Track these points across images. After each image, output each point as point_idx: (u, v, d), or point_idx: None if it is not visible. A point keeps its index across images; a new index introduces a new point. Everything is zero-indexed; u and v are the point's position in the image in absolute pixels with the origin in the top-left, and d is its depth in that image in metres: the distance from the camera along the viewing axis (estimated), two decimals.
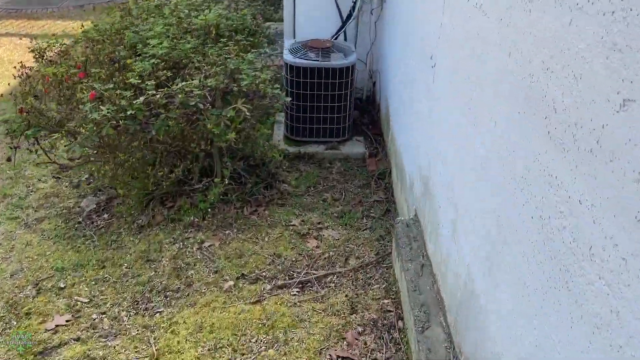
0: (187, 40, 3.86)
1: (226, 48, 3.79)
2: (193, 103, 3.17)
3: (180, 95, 3.17)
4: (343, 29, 4.65)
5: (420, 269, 2.61)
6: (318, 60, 4.08)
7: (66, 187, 4.06)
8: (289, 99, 3.63)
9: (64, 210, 3.84)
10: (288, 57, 4.13)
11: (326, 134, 4.38)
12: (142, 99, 3.13)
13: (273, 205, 3.74)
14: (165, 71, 3.64)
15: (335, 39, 4.68)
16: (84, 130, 3.07)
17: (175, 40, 3.95)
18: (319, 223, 3.56)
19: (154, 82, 3.32)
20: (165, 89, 3.21)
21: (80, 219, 3.74)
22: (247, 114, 3.33)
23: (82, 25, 4.46)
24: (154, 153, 3.41)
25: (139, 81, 3.30)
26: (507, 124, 1.65)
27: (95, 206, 3.90)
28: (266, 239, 3.39)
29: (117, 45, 4.13)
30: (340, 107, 4.26)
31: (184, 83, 3.23)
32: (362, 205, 3.78)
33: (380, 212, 3.70)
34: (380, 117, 4.77)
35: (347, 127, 4.39)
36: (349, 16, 4.61)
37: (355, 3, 4.53)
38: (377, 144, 4.47)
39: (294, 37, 4.81)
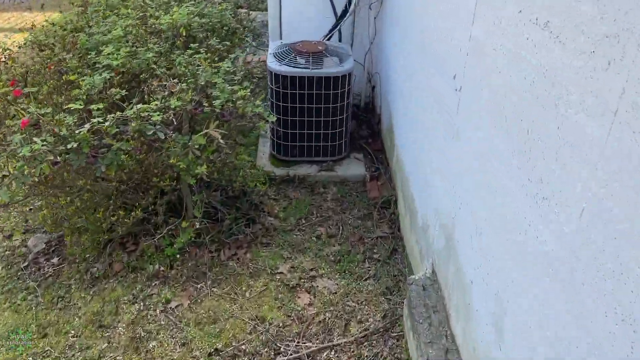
0: (149, 47, 3.18)
1: (198, 56, 3.12)
2: (151, 132, 2.52)
3: (135, 122, 2.51)
4: (337, 28, 3.98)
5: (444, 356, 2.00)
6: (309, 68, 3.42)
7: (13, 220, 3.41)
8: (274, 118, 2.99)
9: (7, 252, 3.19)
10: (273, 64, 3.47)
11: (319, 152, 3.74)
12: (87, 126, 2.47)
13: (256, 246, 3.11)
14: (120, 88, 2.98)
15: (328, 39, 4.01)
16: (11, 170, 2.41)
17: (136, 46, 3.28)
18: (311, 269, 2.94)
19: (104, 104, 2.66)
20: (117, 113, 2.55)
21: (25, 264, 3.10)
22: (221, 141, 2.69)
23: (46, 21, 3.79)
24: (105, 193, 2.76)
25: (82, 106, 2.64)
26: (598, 206, 1.03)
27: (44, 246, 3.26)
28: (247, 294, 2.77)
29: (69, 52, 3.46)
30: (335, 122, 3.61)
31: (140, 106, 2.57)
32: (364, 244, 3.16)
33: (385, 252, 3.08)
34: (381, 129, 4.13)
35: (343, 144, 3.75)
36: (344, 12, 3.95)
37: None
38: (378, 162, 3.83)
39: (281, 38, 4.14)
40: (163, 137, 2.54)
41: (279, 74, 3.41)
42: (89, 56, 3.14)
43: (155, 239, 2.97)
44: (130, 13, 3.72)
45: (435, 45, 2.46)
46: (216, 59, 3.46)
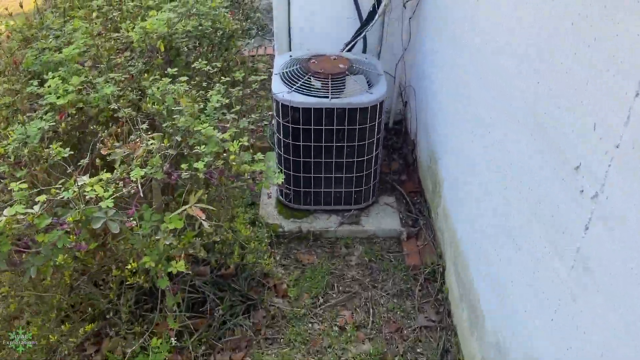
0: (111, 76, 2.34)
1: (177, 87, 2.29)
2: (99, 225, 1.70)
3: (77, 209, 1.70)
4: (362, 34, 3.09)
5: None
6: (327, 96, 2.56)
7: None
8: (281, 179, 2.16)
9: None
10: (280, 90, 2.61)
11: (340, 199, 2.90)
12: (2, 219, 1.66)
13: (258, 345, 2.32)
14: (68, 136, 2.17)
15: (350, 49, 3.13)
16: None
17: (99, 68, 2.45)
18: None
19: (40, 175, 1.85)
20: (52, 191, 1.74)
21: None
22: (205, 224, 1.88)
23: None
24: (41, 299, 1.96)
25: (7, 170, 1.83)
26: None
27: None
28: None
29: (12, 75, 2.64)
30: (362, 164, 2.76)
31: (85, 181, 1.75)
32: (403, 338, 2.35)
33: (433, 354, 2.27)
34: (418, 161, 3.27)
35: (371, 188, 2.91)
36: (372, 14, 3.05)
37: None
38: (416, 210, 2.99)
39: (290, 48, 3.26)
40: (117, 230, 1.72)
41: (287, 105, 2.55)
42: (29, 88, 2.31)
43: (125, 337, 2.18)
44: (92, 23, 2.86)
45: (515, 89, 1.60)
46: (204, 83, 2.61)
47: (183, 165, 2.01)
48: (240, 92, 2.64)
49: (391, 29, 3.28)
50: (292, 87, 2.61)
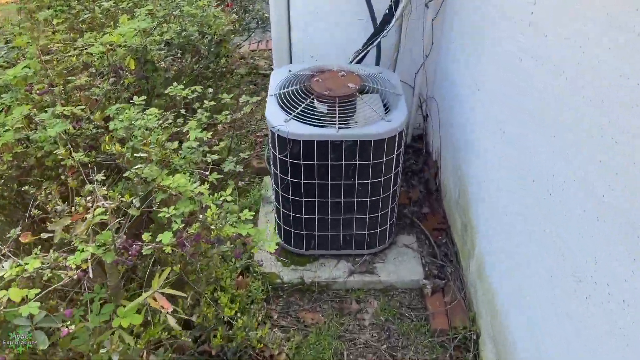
0: (61, 110, 1.88)
1: (144, 123, 1.82)
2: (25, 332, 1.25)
3: None
4: (375, 42, 2.58)
5: None
6: (334, 125, 2.07)
7: None
8: (274, 242, 1.69)
9: None
10: (276, 116, 2.12)
11: (350, 243, 2.43)
12: None
13: None
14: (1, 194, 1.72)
15: (361, 59, 2.62)
16: None
17: (56, 89, 2.00)
18: None
19: None
20: None
21: None
22: (173, 323, 1.43)
23: None
24: None
25: None
26: None
27: None
28: None
29: None
30: (377, 203, 2.28)
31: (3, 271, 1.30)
32: None
33: None
34: (442, 188, 2.78)
35: (388, 229, 2.43)
36: (388, 17, 2.53)
37: None
38: (441, 253, 2.50)
39: (290, 58, 2.77)
40: (45, 345, 1.27)
41: (285, 137, 2.07)
42: None
43: None
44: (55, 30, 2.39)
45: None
46: (182, 111, 2.13)
47: (145, 235, 1.54)
48: (228, 116, 2.16)
49: (410, 33, 2.76)
50: (291, 114, 2.12)
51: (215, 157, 1.90)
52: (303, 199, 2.25)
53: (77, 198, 1.62)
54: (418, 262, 2.44)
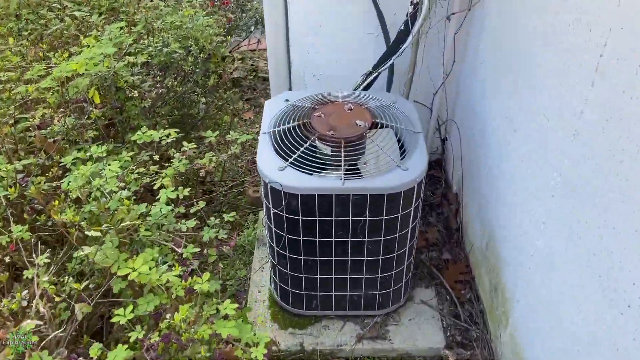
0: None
1: (112, 176, 1.47)
2: None
3: None
4: (386, 64, 2.19)
5: None
6: (339, 176, 1.70)
7: None
8: (263, 346, 1.34)
9: None
10: (269, 162, 1.76)
11: (359, 304, 2.07)
12: None
13: None
14: None
15: (369, 84, 2.24)
16: None
17: None
18: None
19: None
20: None
21: None
22: None
23: None
24: None
25: None
26: None
27: None
28: None
29: None
30: (390, 262, 1.92)
31: None
32: None
33: None
34: (464, 229, 2.41)
35: (403, 287, 2.07)
36: (403, 34, 2.14)
37: (417, 6, 2.04)
38: (465, 313, 2.14)
39: (289, 80, 2.40)
40: None
41: (280, 189, 1.70)
42: None
43: None
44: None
45: None
46: (156, 156, 1.78)
47: (94, 351, 1.20)
48: (212, 160, 1.80)
49: (428, 48, 2.38)
50: (288, 160, 1.75)
51: (192, 223, 1.55)
52: (302, 258, 1.90)
53: (17, 288, 1.28)
54: (438, 325, 2.09)
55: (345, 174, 1.69)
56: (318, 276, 1.96)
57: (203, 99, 2.78)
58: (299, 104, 1.99)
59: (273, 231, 1.87)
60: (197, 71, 2.40)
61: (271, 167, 1.74)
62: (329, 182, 1.68)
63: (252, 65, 4.43)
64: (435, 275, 2.27)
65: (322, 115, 1.87)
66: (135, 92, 1.97)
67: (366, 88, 2.23)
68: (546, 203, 1.51)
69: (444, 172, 2.74)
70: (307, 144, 1.78)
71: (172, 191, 1.54)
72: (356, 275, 1.96)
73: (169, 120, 2.46)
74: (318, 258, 1.89)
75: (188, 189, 1.61)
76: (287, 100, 2.04)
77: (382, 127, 1.91)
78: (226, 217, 1.70)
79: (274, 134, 1.88)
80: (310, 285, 1.99)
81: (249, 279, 2.33)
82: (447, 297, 2.20)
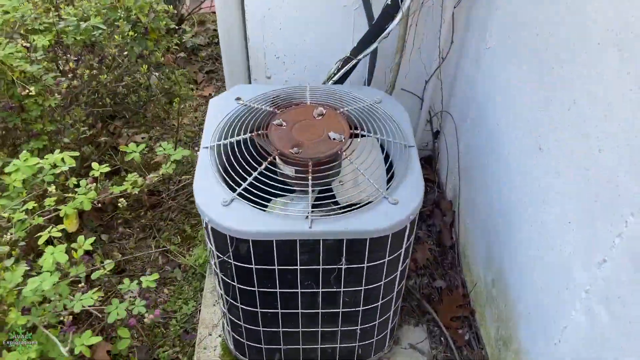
0: None
1: None
2: None
3: None
4: (369, 49, 1.71)
5: None
6: (304, 209, 1.24)
7: None
8: None
9: None
10: (210, 193, 1.29)
11: (334, 355, 1.65)
12: None
13: None
14: None
15: (344, 76, 1.76)
16: None
17: None
18: None
19: None
20: None
21: None
22: None
23: None
24: None
25: None
26: None
27: None
28: None
29: None
30: (372, 312, 1.50)
31: None
32: None
33: None
34: (460, 247, 1.99)
35: (388, 334, 1.65)
36: (390, 10, 1.64)
37: None
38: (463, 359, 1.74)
39: (248, 69, 1.91)
40: None
41: (225, 233, 1.24)
42: None
43: None
44: None
45: None
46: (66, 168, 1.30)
47: None
48: (138, 184, 1.33)
49: (421, 26, 1.90)
50: (236, 190, 1.28)
51: (90, 300, 1.09)
52: (259, 310, 1.45)
53: None
54: None
55: (313, 211, 1.24)
56: (280, 329, 1.52)
57: (155, 77, 2.27)
58: (254, 105, 1.51)
59: (219, 277, 1.42)
60: (125, 54, 1.87)
61: (213, 199, 1.27)
62: (291, 225, 1.22)
63: (214, 30, 3.85)
64: (426, 310, 1.86)
65: (284, 123, 1.39)
66: (32, 88, 1.46)
67: (342, 79, 1.75)
68: (591, 268, 1.09)
69: (436, 174, 2.31)
70: (262, 167, 1.31)
71: (64, 252, 1.06)
72: (330, 328, 1.53)
73: (98, 116, 1.95)
74: (280, 310, 1.45)
75: (92, 240, 1.14)
76: (239, 98, 1.55)
77: (363, 136, 1.45)
78: (145, 282, 1.23)
79: (218, 149, 1.40)
80: (271, 339, 1.56)
81: (199, 314, 1.89)
82: (442, 338, 1.80)
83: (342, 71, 1.73)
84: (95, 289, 1.16)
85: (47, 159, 1.18)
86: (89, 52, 1.83)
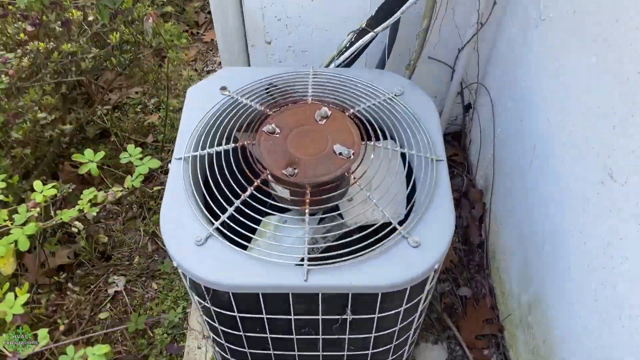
0: None
1: None
2: None
3: None
4: (390, 20, 1.35)
5: None
6: (299, 262, 0.97)
7: None
8: None
9: None
10: (183, 226, 1.01)
11: None
12: None
13: None
14: None
15: (355, 56, 1.41)
16: None
17: None
18: None
19: None
20: None
21: None
22: None
23: None
24: None
25: None
26: None
27: None
28: None
29: None
30: (384, 353, 1.25)
31: None
32: None
33: None
34: (489, 251, 1.72)
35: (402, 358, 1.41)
36: None
37: None
38: None
39: (244, 34, 1.57)
40: None
41: (209, 286, 0.98)
42: None
43: None
44: None
45: None
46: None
47: None
48: (89, 209, 1.08)
49: None
50: (214, 224, 1.00)
51: None
52: (248, 351, 1.22)
53: None
54: None
55: (310, 259, 0.96)
56: None
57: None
58: (242, 100, 1.19)
59: (203, 318, 1.17)
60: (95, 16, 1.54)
61: (183, 236, 0.99)
62: (282, 277, 0.95)
63: None
64: (447, 325, 1.61)
65: (278, 130, 1.08)
66: None
67: (354, 57, 1.40)
68: None
69: (465, 153, 1.99)
70: (247, 193, 1.02)
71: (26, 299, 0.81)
72: None
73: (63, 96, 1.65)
74: (272, 352, 1.22)
75: (24, 299, 0.89)
76: (225, 88, 1.23)
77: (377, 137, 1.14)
78: (95, 355, 0.98)
79: (194, 162, 1.11)
80: None
81: (188, 322, 1.67)
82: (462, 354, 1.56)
83: (355, 47, 1.38)
84: None
85: None
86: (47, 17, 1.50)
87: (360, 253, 0.97)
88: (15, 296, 0.94)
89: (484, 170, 1.79)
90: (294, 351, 1.20)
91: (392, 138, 1.20)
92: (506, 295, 1.57)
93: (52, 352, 1.49)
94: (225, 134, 1.13)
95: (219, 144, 1.11)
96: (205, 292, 1.01)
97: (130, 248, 1.99)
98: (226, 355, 1.29)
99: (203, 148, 1.11)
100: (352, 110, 1.15)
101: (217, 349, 1.30)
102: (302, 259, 0.96)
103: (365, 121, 1.15)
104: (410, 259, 0.97)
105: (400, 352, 1.30)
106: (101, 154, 1.13)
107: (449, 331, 1.61)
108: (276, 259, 0.96)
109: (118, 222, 2.07)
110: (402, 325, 1.14)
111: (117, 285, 1.87)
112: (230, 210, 1.01)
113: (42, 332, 0.90)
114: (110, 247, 1.98)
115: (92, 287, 1.86)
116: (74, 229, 1.08)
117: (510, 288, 1.53)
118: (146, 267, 1.92)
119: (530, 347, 1.38)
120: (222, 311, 1.06)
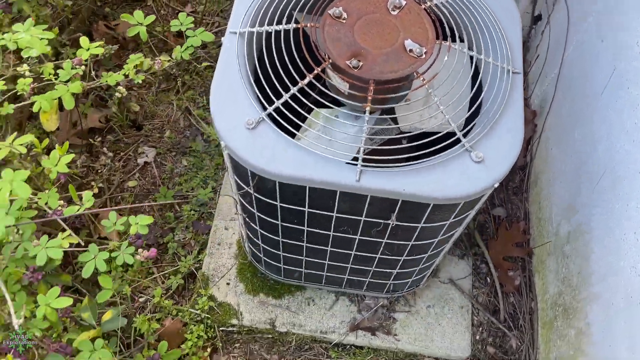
0: None
1: None
2: None
3: None
4: None
5: None
6: (355, 161, 0.92)
7: None
8: None
9: None
10: (234, 106, 0.95)
11: (361, 286, 1.45)
12: None
13: None
14: None
15: None
16: None
17: None
18: None
19: None
20: None
21: None
22: None
23: None
24: None
25: None
26: None
27: None
28: None
29: None
30: (415, 261, 1.24)
31: None
32: None
33: None
34: (531, 176, 1.66)
35: (426, 275, 1.40)
36: None
37: None
38: (507, 306, 1.53)
39: None
40: None
41: (256, 172, 0.94)
42: None
43: None
44: None
45: None
46: None
47: None
48: None
49: None
50: (268, 108, 0.94)
51: (56, 248, 0.84)
52: (281, 239, 1.21)
53: None
54: (466, 321, 1.49)
55: (364, 160, 0.91)
56: (304, 258, 1.29)
57: None
58: None
59: (238, 201, 1.15)
60: None
61: (234, 118, 0.94)
62: (333, 173, 0.90)
63: None
64: (476, 242, 1.60)
65: (345, 16, 0.98)
66: None
67: None
68: None
69: (525, 67, 1.85)
70: (305, 81, 0.95)
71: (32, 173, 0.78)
72: (362, 267, 1.29)
73: None
74: (305, 244, 1.21)
75: (69, 158, 0.86)
76: None
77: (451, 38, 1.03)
78: (135, 226, 0.95)
79: (250, 38, 1.02)
80: (292, 263, 1.35)
81: (216, 200, 1.67)
82: (488, 278, 1.56)
83: None
84: (67, 233, 0.91)
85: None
86: None
87: (419, 161, 0.91)
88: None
89: (542, 90, 1.68)
90: (327, 246, 1.19)
91: (462, 40, 1.09)
92: (543, 222, 1.53)
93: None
94: (286, 13, 1.03)
95: (278, 23, 1.02)
96: (250, 178, 0.97)
97: (162, 121, 1.94)
98: (257, 241, 1.29)
99: (261, 24, 1.02)
100: (429, 3, 1.03)
101: (248, 233, 1.29)
102: (355, 158, 0.91)
103: (442, 17, 1.04)
104: (470, 173, 0.91)
105: (430, 262, 1.29)
106: (152, 17, 1.05)
107: (477, 248, 1.59)
108: (329, 155, 0.90)
109: (151, 92, 2.01)
110: (442, 237, 1.11)
111: (146, 156, 1.85)
112: (286, 96, 0.94)
113: (87, 194, 0.88)
114: (142, 117, 1.94)
115: (122, 154, 1.85)
116: (117, 94, 1.03)
117: (549, 215, 1.49)
118: (177, 142, 1.89)
119: (560, 277, 1.36)
120: (264, 198, 1.03)
